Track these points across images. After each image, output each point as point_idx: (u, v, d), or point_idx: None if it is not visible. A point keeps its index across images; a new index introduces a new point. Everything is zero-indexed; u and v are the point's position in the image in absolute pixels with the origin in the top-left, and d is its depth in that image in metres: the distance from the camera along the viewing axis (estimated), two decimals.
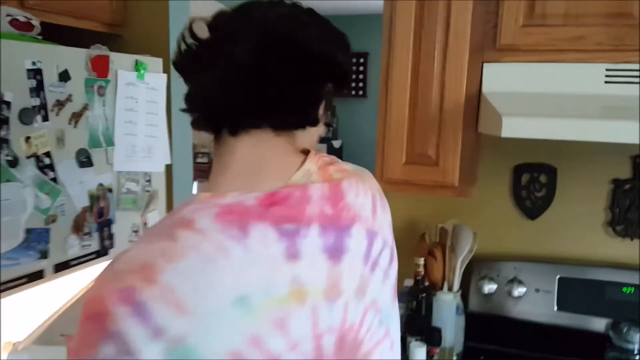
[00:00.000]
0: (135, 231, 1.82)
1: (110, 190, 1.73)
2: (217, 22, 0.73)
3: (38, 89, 1.45)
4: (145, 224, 1.84)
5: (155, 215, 1.89)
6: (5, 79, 1.35)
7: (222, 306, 0.61)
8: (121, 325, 0.58)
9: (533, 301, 1.63)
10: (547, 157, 1.69)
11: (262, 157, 0.72)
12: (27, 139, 1.43)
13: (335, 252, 0.71)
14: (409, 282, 1.77)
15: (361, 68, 5.76)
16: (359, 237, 0.74)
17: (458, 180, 1.44)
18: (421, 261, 1.61)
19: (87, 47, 1.62)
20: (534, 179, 1.70)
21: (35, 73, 1.44)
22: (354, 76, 5.78)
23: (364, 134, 5.64)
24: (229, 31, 0.71)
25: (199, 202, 0.67)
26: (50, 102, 1.48)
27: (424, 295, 1.62)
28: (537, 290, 1.64)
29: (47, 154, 1.50)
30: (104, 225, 1.72)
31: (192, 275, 0.61)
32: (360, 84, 5.79)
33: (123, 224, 1.78)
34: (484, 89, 1.40)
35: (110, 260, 0.64)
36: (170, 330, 0.58)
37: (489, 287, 1.69)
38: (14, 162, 1.40)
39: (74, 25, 1.83)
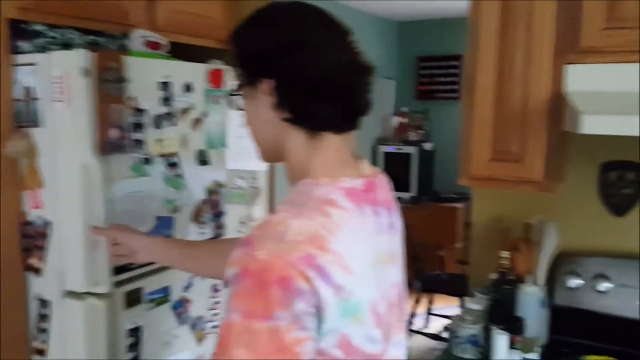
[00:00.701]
0: (243, 222, 2.06)
1: (222, 186, 1.98)
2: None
3: (167, 99, 1.72)
4: (251, 216, 2.07)
5: (259, 209, 2.12)
6: (142, 90, 1.62)
7: (369, 266, 0.83)
8: (314, 283, 0.72)
9: (619, 296, 1.66)
10: (636, 155, 1.71)
11: (343, 150, 0.89)
12: (158, 140, 1.70)
13: (391, 228, 0.94)
14: (493, 276, 1.86)
15: (454, 71, 5.77)
16: (397, 216, 0.98)
17: (542, 176, 1.52)
18: (506, 254, 1.70)
19: (205, 61, 1.87)
20: (622, 176, 1.73)
21: (165, 86, 1.71)
22: (447, 79, 5.80)
23: (457, 136, 5.61)
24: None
25: (325, 185, 0.84)
26: (176, 110, 1.75)
27: (508, 287, 1.70)
28: (623, 286, 1.66)
29: (174, 154, 1.76)
30: (217, 216, 1.97)
31: (348, 243, 0.79)
32: (454, 87, 5.80)
33: (232, 215, 2.03)
34: (567, 88, 1.47)
35: (262, 235, 0.76)
36: (345, 287, 0.76)
37: (575, 282, 1.74)
38: (147, 160, 1.67)
39: (194, 43, 2.09)
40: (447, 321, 4.15)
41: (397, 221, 0.98)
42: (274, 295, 0.71)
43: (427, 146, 5.57)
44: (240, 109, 0.94)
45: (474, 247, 1.88)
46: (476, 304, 1.73)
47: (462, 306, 3.79)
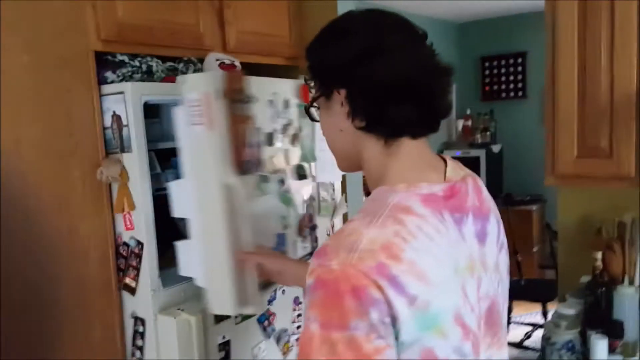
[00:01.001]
0: (329, 234, 2.07)
1: (313, 199, 2.01)
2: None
3: (273, 116, 1.78)
4: (332, 227, 2.09)
5: (340, 220, 2.13)
6: (256, 109, 1.63)
7: (449, 275, 0.78)
8: (387, 293, 0.71)
9: None
10: None
11: (423, 155, 0.88)
12: (270, 158, 1.76)
13: (482, 236, 0.87)
14: (585, 279, 1.77)
15: (519, 68, 5.60)
16: (493, 224, 0.91)
17: (634, 171, 1.44)
18: (599, 255, 1.62)
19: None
20: None
21: (271, 103, 1.77)
22: (512, 77, 5.65)
23: (526, 135, 5.45)
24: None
25: (402, 191, 0.81)
26: (280, 127, 1.80)
27: (603, 289, 1.62)
28: None
29: (282, 170, 1.82)
30: (312, 229, 2.01)
31: (424, 251, 0.76)
32: (520, 85, 5.63)
33: (322, 228, 2.06)
34: None
35: (336, 245, 0.76)
36: (419, 297, 0.73)
37: None
38: (265, 178, 1.72)
39: (262, 62, 2.15)
40: (528, 328, 4.00)
41: (493, 229, 0.91)
42: (349, 305, 0.71)
43: (495, 148, 5.42)
44: (316, 121, 0.95)
45: (561, 250, 1.81)
46: (570, 308, 1.66)
47: (544, 313, 3.64)
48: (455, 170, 0.89)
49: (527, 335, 3.91)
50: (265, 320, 1.85)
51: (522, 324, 4.10)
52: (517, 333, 4.12)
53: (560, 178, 1.53)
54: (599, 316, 1.60)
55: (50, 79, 1.47)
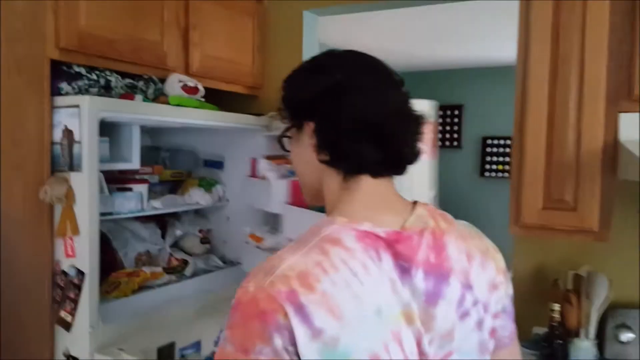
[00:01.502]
0: None
1: None
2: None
3: None
4: None
5: None
6: None
7: (366, 314, 0.73)
8: (291, 321, 0.69)
9: None
10: None
11: (383, 196, 0.85)
12: None
13: (431, 297, 0.79)
14: (538, 330, 1.78)
15: (456, 120, 5.82)
16: (455, 288, 0.81)
17: (597, 224, 1.47)
18: (557, 307, 1.63)
19: (228, 108, 1.86)
20: None
21: None
22: (449, 127, 5.85)
23: (458, 184, 5.63)
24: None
25: (338, 224, 0.79)
26: None
27: (559, 341, 1.63)
28: None
29: None
30: None
31: (343, 286, 0.73)
32: (455, 135, 5.84)
33: None
34: (621, 137, 1.45)
35: (258, 268, 0.75)
36: (327, 332, 0.70)
37: (627, 336, 1.67)
38: None
39: (224, 88, 2.07)
40: None
41: (454, 294, 0.81)
42: (255, 328, 0.71)
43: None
44: (287, 151, 0.94)
45: (515, 299, 1.80)
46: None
47: None
48: (422, 219, 0.84)
49: None
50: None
51: None
52: None
53: (524, 228, 1.54)
54: None
55: (2, 83, 1.32)
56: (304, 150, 0.88)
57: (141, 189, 1.81)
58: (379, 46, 4.06)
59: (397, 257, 0.78)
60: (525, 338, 1.79)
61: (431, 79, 5.86)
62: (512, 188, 1.57)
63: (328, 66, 0.86)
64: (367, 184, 0.85)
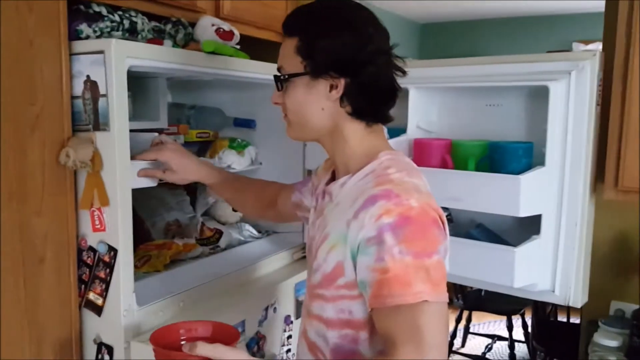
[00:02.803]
0: None
1: None
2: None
3: None
4: None
5: None
6: None
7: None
8: (442, 223, 0.94)
9: None
10: None
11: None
12: None
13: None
14: (617, 305, 1.60)
15: None
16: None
17: None
18: None
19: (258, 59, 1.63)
20: None
21: None
22: None
23: None
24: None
25: (402, 156, 1.05)
26: None
27: None
28: None
29: None
30: None
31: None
32: None
33: None
34: None
35: (402, 188, 0.92)
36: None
37: None
38: None
39: (255, 35, 1.82)
40: (488, 340, 3.88)
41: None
42: (434, 234, 0.90)
43: None
44: (279, 89, 1.04)
45: (592, 270, 1.62)
46: (611, 340, 1.47)
47: (510, 327, 3.50)
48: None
49: (489, 348, 3.79)
50: (254, 345, 1.54)
51: (482, 335, 3.98)
52: (475, 344, 4.00)
53: (623, 192, 1.34)
54: None
55: (10, 25, 1.07)
56: (319, 97, 0.99)
57: None
58: None
59: None
60: (602, 313, 1.61)
61: (455, 30, 5.57)
62: (611, 147, 1.35)
63: (365, 27, 0.97)
64: (380, 127, 1.05)
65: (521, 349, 3.76)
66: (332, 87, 0.97)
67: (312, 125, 1.02)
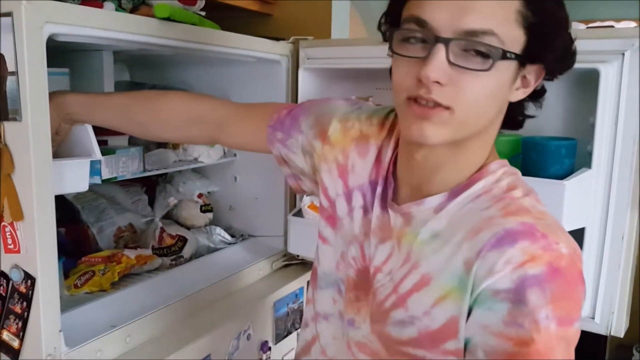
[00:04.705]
0: None
1: None
2: None
3: None
4: None
5: None
6: None
7: None
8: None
9: None
10: None
11: None
12: None
13: None
14: None
15: None
16: None
17: None
18: None
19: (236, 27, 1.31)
20: None
21: None
22: None
23: None
24: None
25: (516, 172, 0.79)
26: None
27: None
28: None
29: None
30: None
31: None
32: None
33: None
34: None
35: (546, 224, 0.68)
36: None
37: None
38: None
39: (228, 1, 1.51)
40: None
41: None
42: (580, 293, 0.68)
43: None
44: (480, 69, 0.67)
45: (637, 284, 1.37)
46: None
47: None
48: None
49: None
50: None
51: None
52: None
53: None
54: None
55: None
56: (502, 86, 0.70)
57: (118, 142, 1.29)
58: None
59: None
60: (633, 337, 1.36)
61: None
62: None
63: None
64: None
65: None
66: (520, 77, 0.72)
67: (478, 127, 0.72)
